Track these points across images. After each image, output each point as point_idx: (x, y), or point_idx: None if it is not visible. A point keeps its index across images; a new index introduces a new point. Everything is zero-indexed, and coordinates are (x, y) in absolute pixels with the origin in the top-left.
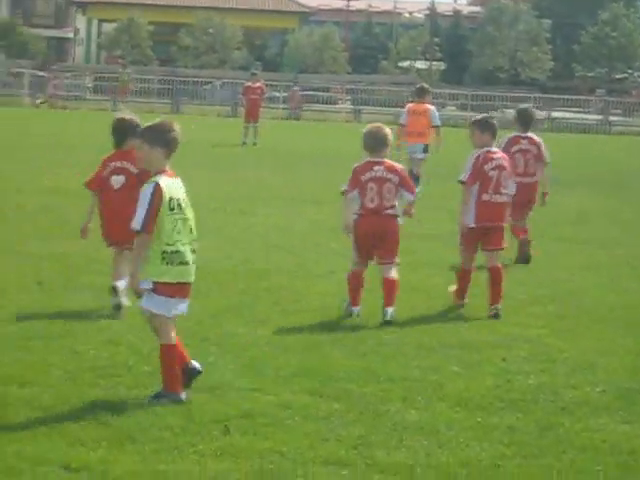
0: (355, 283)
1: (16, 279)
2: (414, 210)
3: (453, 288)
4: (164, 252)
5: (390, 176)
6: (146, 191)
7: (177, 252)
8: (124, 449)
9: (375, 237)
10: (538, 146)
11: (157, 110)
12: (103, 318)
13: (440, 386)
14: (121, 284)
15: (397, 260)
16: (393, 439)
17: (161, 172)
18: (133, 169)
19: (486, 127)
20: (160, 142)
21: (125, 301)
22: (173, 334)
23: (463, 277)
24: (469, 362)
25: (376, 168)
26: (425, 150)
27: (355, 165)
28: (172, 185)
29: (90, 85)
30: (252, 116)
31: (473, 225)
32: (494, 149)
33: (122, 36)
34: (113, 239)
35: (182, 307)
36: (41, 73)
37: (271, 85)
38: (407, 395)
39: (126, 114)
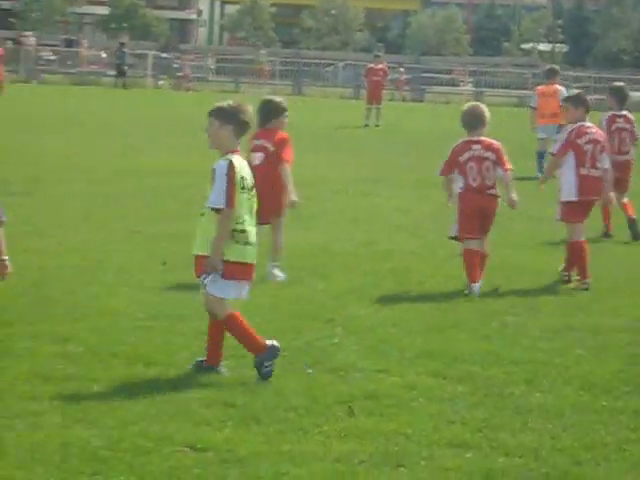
0: (471, 260)
1: (141, 260)
2: (515, 197)
3: (562, 267)
4: (234, 230)
5: (488, 154)
6: (222, 168)
7: (244, 231)
8: (249, 429)
9: (481, 214)
10: (632, 124)
11: (279, 92)
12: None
13: (565, 369)
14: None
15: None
16: (517, 422)
17: (232, 152)
18: (271, 147)
19: (579, 102)
20: (231, 121)
21: (279, 274)
22: (229, 308)
23: (577, 251)
24: (594, 345)
25: (475, 147)
26: (559, 130)
27: (454, 145)
28: (243, 165)
29: (213, 67)
30: (375, 98)
31: (575, 198)
32: (588, 124)
33: (245, 18)
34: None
35: (244, 292)
36: (164, 55)
37: (393, 67)
38: (531, 378)
39: (275, 96)
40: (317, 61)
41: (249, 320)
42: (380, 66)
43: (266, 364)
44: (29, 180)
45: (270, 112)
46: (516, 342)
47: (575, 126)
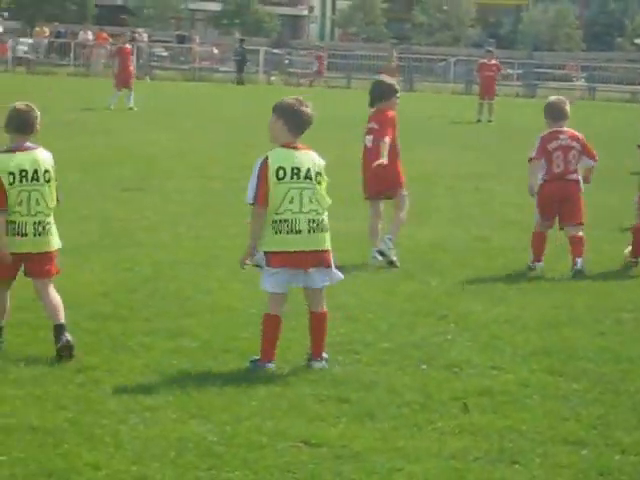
0: (539, 242)
1: None
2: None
3: (629, 249)
4: (273, 221)
5: (574, 144)
6: (256, 164)
7: (286, 221)
8: (363, 425)
9: (560, 200)
10: None
11: None
12: (340, 295)
13: None
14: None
15: (583, 221)
16: (633, 419)
17: (284, 145)
18: (378, 127)
19: None
20: (282, 116)
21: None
22: (279, 307)
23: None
24: None
25: (562, 137)
26: None
27: (542, 134)
28: (286, 155)
29: (325, 62)
30: (487, 93)
31: None
32: None
33: (356, 13)
34: (370, 192)
35: (298, 280)
36: (276, 51)
37: (505, 62)
38: None
39: (386, 78)
40: (429, 57)
41: (363, 316)
42: (493, 61)
43: (251, 367)
44: (142, 176)
45: (382, 93)
46: (632, 339)
47: None
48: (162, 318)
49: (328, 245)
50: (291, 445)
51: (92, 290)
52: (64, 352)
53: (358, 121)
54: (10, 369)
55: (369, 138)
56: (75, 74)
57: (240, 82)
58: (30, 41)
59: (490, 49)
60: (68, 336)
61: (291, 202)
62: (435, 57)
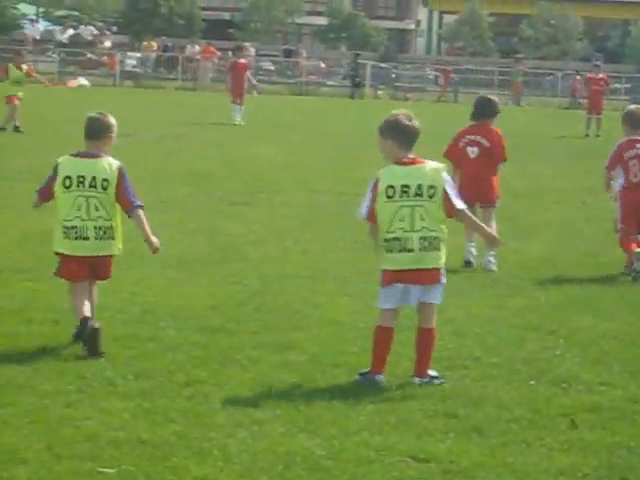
0: (629, 245)
1: (362, 270)
2: None
3: None
4: (385, 240)
5: None
6: (370, 181)
7: (397, 239)
8: (471, 441)
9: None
10: None
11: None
12: (448, 309)
13: None
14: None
15: None
16: None
17: (397, 161)
18: (485, 142)
19: None
20: (392, 134)
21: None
22: (391, 321)
23: None
24: None
25: (638, 146)
26: None
27: (619, 142)
28: (396, 172)
29: (431, 76)
30: (595, 107)
31: None
32: None
33: (463, 27)
34: (468, 200)
35: (410, 297)
36: (383, 65)
37: (613, 76)
38: None
39: (493, 96)
40: (536, 71)
41: (470, 330)
42: (600, 75)
43: (364, 377)
44: (250, 190)
45: (487, 110)
46: None
47: None
48: (270, 332)
49: (440, 263)
50: (399, 460)
51: (200, 303)
52: (90, 337)
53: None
54: (119, 382)
55: (474, 150)
56: (182, 88)
57: (353, 96)
58: (138, 55)
59: (597, 63)
60: (95, 324)
61: (402, 220)
62: (542, 71)
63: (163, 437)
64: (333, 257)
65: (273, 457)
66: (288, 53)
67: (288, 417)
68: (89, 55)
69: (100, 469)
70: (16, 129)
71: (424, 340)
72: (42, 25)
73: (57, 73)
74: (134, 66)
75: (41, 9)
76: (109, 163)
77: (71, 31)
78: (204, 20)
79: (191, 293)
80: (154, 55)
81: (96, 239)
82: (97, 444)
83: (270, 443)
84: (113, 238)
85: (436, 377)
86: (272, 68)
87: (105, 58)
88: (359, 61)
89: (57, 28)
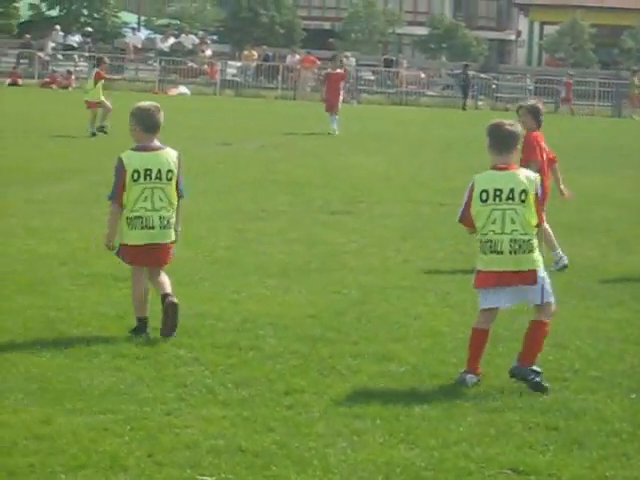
0: None
1: (462, 280)
2: None
3: None
4: (480, 241)
5: None
6: (467, 187)
7: (489, 241)
8: (572, 454)
9: None
10: None
11: (597, 113)
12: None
13: None
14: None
15: None
16: None
17: (493, 166)
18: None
19: None
20: (490, 138)
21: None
22: (488, 323)
23: None
24: None
25: None
26: None
27: None
28: (491, 177)
29: (531, 87)
30: None
31: None
32: None
33: (564, 38)
34: None
35: (504, 300)
36: (483, 75)
37: None
38: None
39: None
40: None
41: (571, 342)
42: None
43: (460, 377)
44: (350, 199)
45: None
46: None
47: None
48: (370, 342)
49: (534, 265)
50: (499, 472)
51: (301, 312)
52: (169, 309)
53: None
54: (219, 390)
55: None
56: (283, 97)
57: (465, 107)
58: (238, 64)
59: None
60: (174, 299)
61: (494, 223)
62: None
63: (262, 446)
64: (434, 267)
65: (373, 467)
66: (389, 63)
67: (388, 427)
68: (190, 64)
69: (200, 477)
70: (101, 129)
71: (532, 331)
72: (143, 33)
73: (158, 81)
74: (234, 75)
75: (143, 17)
76: (173, 153)
77: (172, 39)
78: (304, 29)
79: (291, 302)
80: (254, 64)
81: (160, 228)
82: (197, 452)
83: (370, 453)
84: (172, 227)
85: (536, 372)
86: (372, 78)
87: (206, 67)
88: (457, 72)
89: (158, 36)
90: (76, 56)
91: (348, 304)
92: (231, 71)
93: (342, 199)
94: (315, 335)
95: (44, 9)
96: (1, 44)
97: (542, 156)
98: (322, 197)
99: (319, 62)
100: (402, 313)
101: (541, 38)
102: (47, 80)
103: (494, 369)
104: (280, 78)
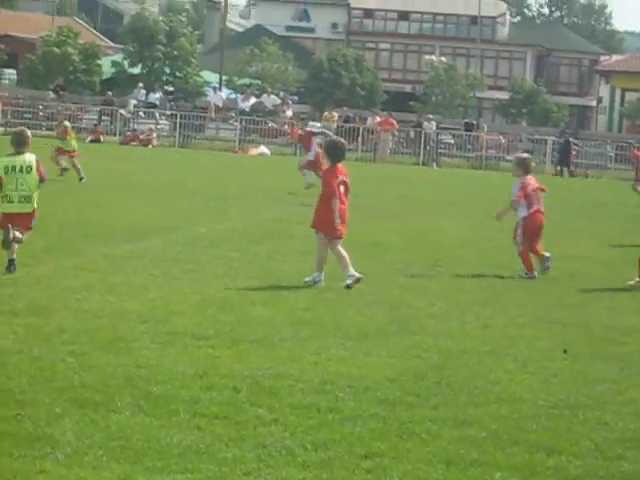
0: None
1: (544, 347)
2: None
3: None
4: None
5: None
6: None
7: None
8: None
9: None
10: None
11: None
12: (630, 390)
13: None
14: None
15: None
16: None
17: None
18: None
19: None
20: None
21: None
22: None
23: None
24: None
25: None
26: None
27: None
28: None
29: (612, 154)
30: None
31: None
32: None
33: None
34: None
35: None
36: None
37: None
38: None
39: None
40: None
41: None
42: None
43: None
44: (430, 262)
45: None
46: None
47: None
48: (449, 406)
49: None
50: None
51: (380, 375)
52: None
53: None
54: (298, 452)
55: None
56: (362, 159)
57: (562, 174)
58: (319, 125)
59: None
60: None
61: None
62: None
63: None
64: (514, 333)
65: None
66: (469, 127)
67: None
68: (270, 124)
69: None
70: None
71: None
72: (225, 93)
73: (238, 141)
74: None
75: (224, 77)
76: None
77: (253, 99)
78: (385, 92)
79: (370, 364)
80: (335, 125)
81: None
82: None
83: None
84: None
85: None
86: (452, 141)
87: (286, 127)
88: (537, 137)
89: (239, 96)
90: (157, 114)
91: (428, 368)
92: None
93: (422, 262)
94: (394, 398)
95: (127, 66)
96: (84, 101)
97: None
98: (401, 259)
99: (397, 125)
100: (482, 378)
101: (622, 105)
102: (128, 137)
103: (575, 436)
104: (360, 140)
